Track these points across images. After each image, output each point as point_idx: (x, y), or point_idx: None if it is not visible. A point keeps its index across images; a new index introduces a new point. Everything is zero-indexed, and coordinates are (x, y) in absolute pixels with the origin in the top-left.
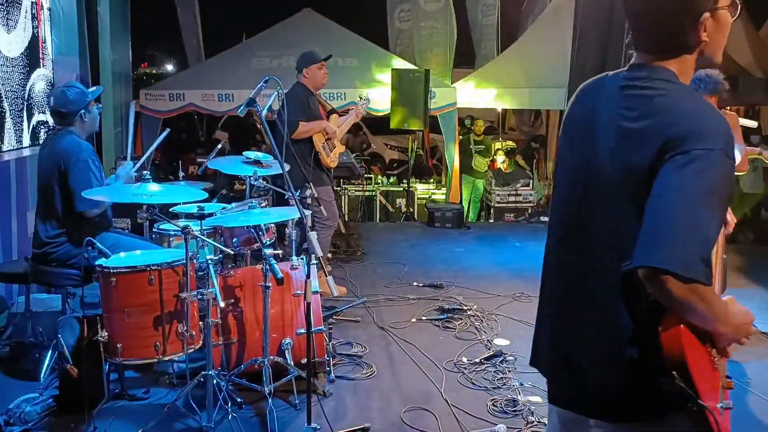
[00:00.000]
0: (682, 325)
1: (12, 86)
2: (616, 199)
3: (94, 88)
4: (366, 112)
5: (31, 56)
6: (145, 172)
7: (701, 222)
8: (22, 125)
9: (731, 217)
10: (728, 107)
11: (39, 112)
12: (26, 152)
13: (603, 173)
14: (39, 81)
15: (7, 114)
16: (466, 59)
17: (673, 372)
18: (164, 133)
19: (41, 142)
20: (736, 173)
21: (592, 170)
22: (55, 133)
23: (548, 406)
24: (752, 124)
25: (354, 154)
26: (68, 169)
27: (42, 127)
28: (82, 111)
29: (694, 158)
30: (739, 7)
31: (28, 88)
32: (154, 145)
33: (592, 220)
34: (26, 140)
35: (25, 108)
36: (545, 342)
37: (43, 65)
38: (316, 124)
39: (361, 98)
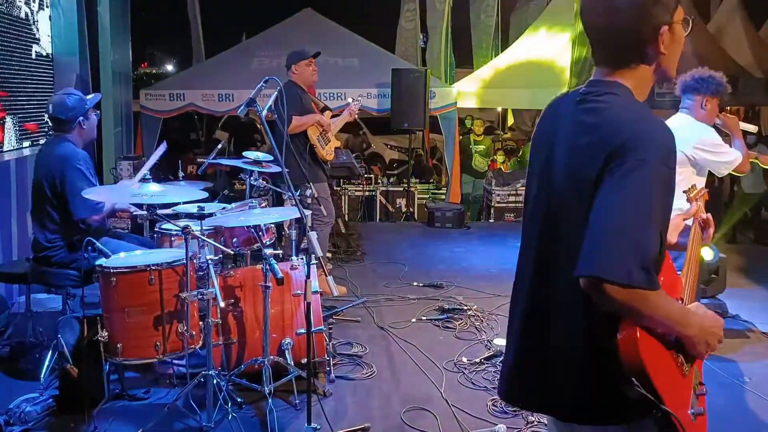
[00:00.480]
0: (638, 331)
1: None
2: (573, 213)
3: (93, 95)
4: (359, 113)
5: None
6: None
7: (636, 229)
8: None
9: (708, 218)
10: (728, 108)
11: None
12: (26, 152)
13: (560, 188)
14: None
15: (7, 114)
16: (466, 59)
17: (632, 378)
18: (162, 148)
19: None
20: (738, 173)
21: (552, 186)
22: (51, 139)
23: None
24: (752, 128)
25: (354, 155)
26: (64, 177)
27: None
28: (81, 118)
29: (630, 168)
30: (691, 24)
31: None
32: (153, 161)
33: (555, 234)
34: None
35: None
36: (515, 352)
37: None
38: (309, 117)
39: (352, 100)
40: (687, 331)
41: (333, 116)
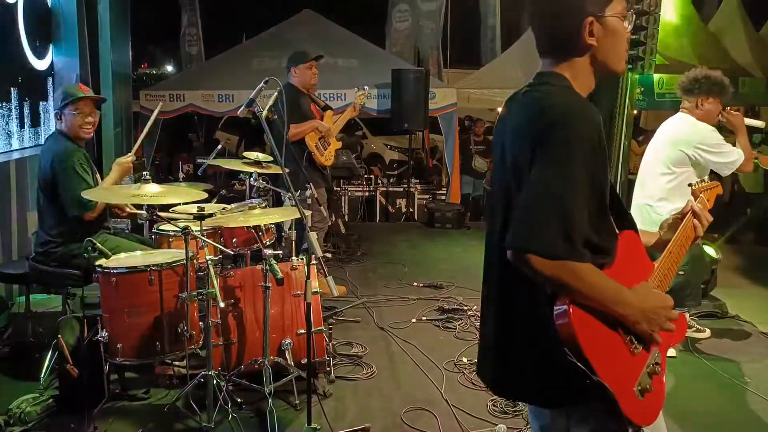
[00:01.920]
0: (571, 305)
1: None
2: (515, 198)
3: (76, 92)
4: (362, 111)
5: None
6: (144, 172)
7: (559, 202)
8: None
9: (700, 212)
10: (729, 108)
11: None
12: (26, 152)
13: (508, 176)
14: None
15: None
16: (467, 59)
17: (564, 348)
18: (155, 111)
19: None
20: (740, 172)
21: (503, 175)
22: (50, 135)
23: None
24: (759, 124)
25: (353, 155)
26: (57, 174)
27: None
28: (57, 111)
29: (553, 146)
30: (633, 18)
31: None
32: (147, 126)
33: (506, 220)
34: None
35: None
36: (484, 338)
37: None
38: (308, 124)
39: (358, 89)
40: (621, 310)
41: (335, 113)
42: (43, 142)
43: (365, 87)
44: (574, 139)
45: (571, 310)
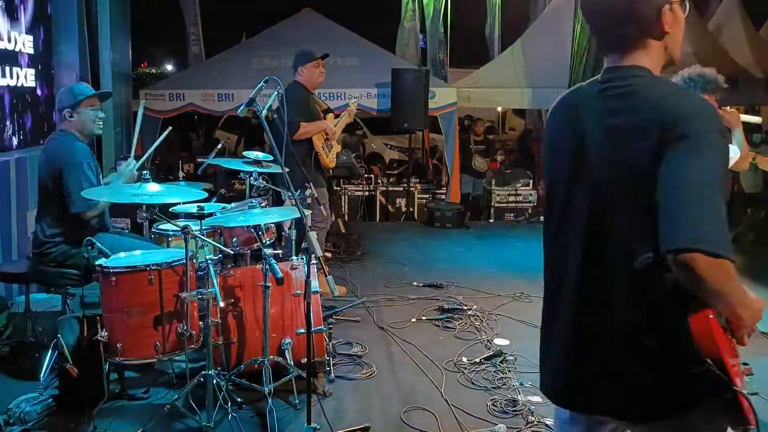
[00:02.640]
0: (710, 312)
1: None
2: (620, 198)
3: (90, 90)
4: (358, 112)
5: None
6: (144, 171)
7: (713, 200)
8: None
9: None
10: (728, 107)
11: None
12: (26, 152)
13: (599, 178)
14: None
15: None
16: (467, 59)
17: (707, 360)
18: (165, 132)
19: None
20: (736, 170)
21: (587, 179)
22: (53, 135)
23: (558, 410)
24: (756, 120)
25: (353, 155)
26: (63, 170)
27: None
28: (68, 109)
29: (694, 140)
30: (688, 6)
31: None
32: (156, 143)
33: (599, 224)
34: None
35: None
36: (559, 349)
37: None
38: (317, 125)
39: (351, 98)
40: (742, 312)
41: (336, 115)
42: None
43: (356, 98)
44: (713, 133)
45: (711, 316)
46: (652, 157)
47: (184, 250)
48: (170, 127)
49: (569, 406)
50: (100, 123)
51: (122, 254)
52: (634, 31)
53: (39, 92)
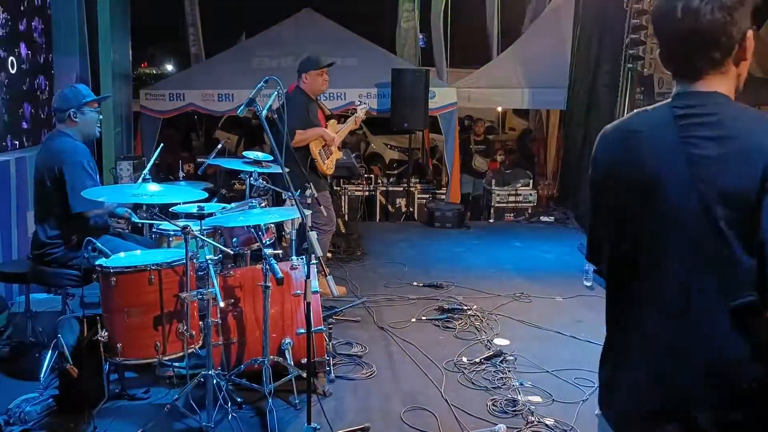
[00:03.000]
0: None
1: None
2: (709, 229)
3: (91, 94)
4: (365, 116)
5: None
6: (144, 172)
7: None
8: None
9: None
10: None
11: None
12: (27, 152)
13: (681, 208)
14: None
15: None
16: (467, 59)
17: None
18: (158, 150)
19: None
20: None
21: (672, 215)
22: (51, 135)
23: None
24: None
25: (353, 154)
26: (63, 170)
27: None
28: (73, 110)
29: None
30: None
31: None
32: (151, 161)
33: (694, 263)
34: None
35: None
36: (645, 382)
37: None
38: (313, 131)
39: (360, 102)
40: None
41: (339, 122)
42: (43, 142)
43: (365, 102)
44: None
45: None
46: (757, 187)
47: (184, 250)
48: (162, 144)
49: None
50: (99, 125)
51: (122, 254)
52: (720, 56)
53: (39, 92)
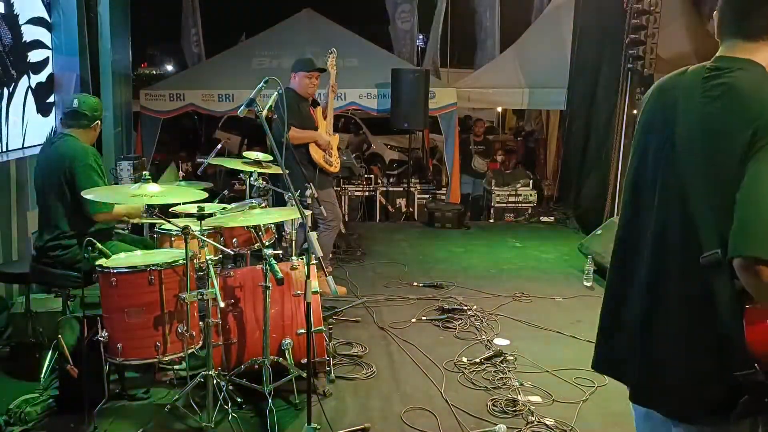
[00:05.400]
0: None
1: None
2: (701, 188)
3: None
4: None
5: None
6: (144, 172)
7: None
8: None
9: None
10: None
11: None
12: (27, 152)
13: (685, 165)
14: None
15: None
16: (467, 60)
17: (756, 364)
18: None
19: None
20: None
21: (674, 164)
22: (57, 137)
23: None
24: None
25: (354, 155)
26: (75, 173)
27: None
28: (99, 120)
29: None
30: None
31: None
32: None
33: (676, 209)
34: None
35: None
36: (630, 345)
37: None
38: (308, 135)
39: (327, 55)
40: None
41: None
42: (45, 144)
43: (332, 50)
44: None
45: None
46: (741, 154)
47: (184, 251)
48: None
49: (641, 402)
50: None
51: (122, 255)
52: (761, 22)
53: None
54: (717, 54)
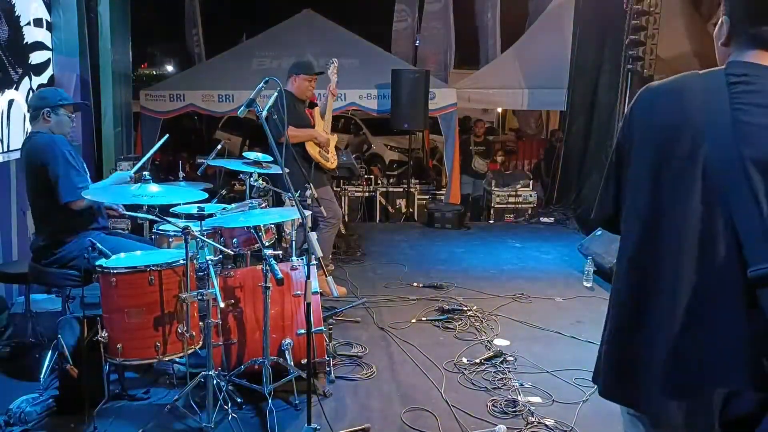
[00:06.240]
0: None
1: None
2: (746, 200)
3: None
4: (359, 112)
5: None
6: (145, 172)
7: None
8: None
9: None
10: None
11: None
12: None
13: (718, 172)
14: None
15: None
16: (467, 60)
17: None
18: (164, 138)
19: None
20: None
21: (699, 171)
22: (27, 139)
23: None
24: None
25: (354, 156)
26: (47, 164)
27: None
28: (47, 109)
29: None
30: None
31: None
32: (154, 149)
33: (714, 220)
34: None
35: None
36: (662, 363)
37: None
38: (306, 133)
39: (328, 65)
40: None
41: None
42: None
43: (333, 60)
44: None
45: None
46: None
47: (184, 251)
48: (167, 135)
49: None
50: (70, 131)
51: (122, 255)
52: None
53: None
54: (732, 59)
